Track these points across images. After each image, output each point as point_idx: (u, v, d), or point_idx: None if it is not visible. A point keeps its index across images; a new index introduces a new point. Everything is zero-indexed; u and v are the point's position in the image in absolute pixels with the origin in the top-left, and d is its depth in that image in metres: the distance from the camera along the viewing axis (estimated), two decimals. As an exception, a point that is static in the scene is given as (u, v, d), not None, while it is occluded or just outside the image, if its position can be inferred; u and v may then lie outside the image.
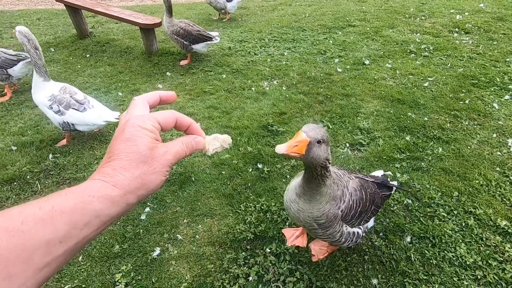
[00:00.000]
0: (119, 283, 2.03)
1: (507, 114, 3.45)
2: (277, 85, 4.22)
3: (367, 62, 4.63)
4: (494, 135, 3.16)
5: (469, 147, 3.02)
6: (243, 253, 2.17)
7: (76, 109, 2.92)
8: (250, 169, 2.85)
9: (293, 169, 2.86)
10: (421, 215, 2.39)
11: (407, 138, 3.15)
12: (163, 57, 5.02)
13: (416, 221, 2.35)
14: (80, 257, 2.19)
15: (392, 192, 1.96)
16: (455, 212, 2.40)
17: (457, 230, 2.28)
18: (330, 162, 1.39)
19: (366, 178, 1.83)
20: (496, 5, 6.49)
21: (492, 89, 3.87)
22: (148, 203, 2.56)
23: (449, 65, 4.45)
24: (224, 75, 4.48)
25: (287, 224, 2.35)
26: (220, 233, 2.33)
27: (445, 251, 2.15)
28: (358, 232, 1.75)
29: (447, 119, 3.42)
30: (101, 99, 3.76)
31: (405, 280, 2.00)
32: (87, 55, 5.20)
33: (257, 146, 3.10)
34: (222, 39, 5.61)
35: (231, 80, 4.35)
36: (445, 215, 2.38)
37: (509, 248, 2.14)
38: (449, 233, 2.24)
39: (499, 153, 2.95)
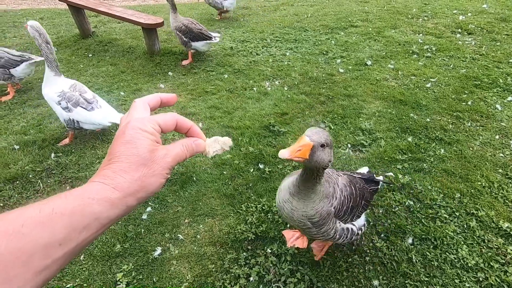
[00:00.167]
0: (120, 282, 2.03)
1: (510, 115, 3.44)
2: (279, 85, 4.22)
3: (369, 62, 4.62)
4: (497, 137, 3.15)
5: (471, 149, 3.01)
6: (244, 253, 2.17)
7: (84, 108, 2.93)
8: (252, 169, 2.86)
9: (295, 169, 2.86)
10: (423, 216, 2.39)
11: (409, 139, 3.14)
12: (165, 57, 5.03)
13: (417, 223, 2.35)
14: (82, 256, 2.20)
15: (379, 187, 1.98)
16: (457, 213, 2.40)
17: (459, 232, 2.27)
18: (332, 163, 1.39)
19: (354, 175, 1.86)
20: (499, 6, 6.46)
21: (495, 90, 3.85)
22: (150, 203, 2.57)
23: (451, 66, 4.44)
24: (226, 75, 4.48)
25: (288, 225, 2.34)
26: (221, 233, 2.33)
27: (447, 253, 2.14)
28: (352, 229, 1.76)
29: (449, 120, 3.40)
30: (103, 98, 3.75)
31: (406, 281, 1.99)
32: (90, 55, 5.21)
33: (258, 146, 3.10)
34: (224, 39, 5.62)
35: (233, 80, 4.35)
36: (447, 216, 2.37)
37: (511, 250, 2.13)
38: (451, 235, 2.24)
39: (501, 154, 2.94)
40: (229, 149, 0.68)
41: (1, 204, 2.58)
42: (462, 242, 2.20)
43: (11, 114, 3.73)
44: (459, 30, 5.49)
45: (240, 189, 2.67)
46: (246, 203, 2.54)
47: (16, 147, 3.14)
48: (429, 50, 4.88)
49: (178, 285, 2.03)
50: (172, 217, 2.47)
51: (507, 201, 2.49)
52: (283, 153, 1.16)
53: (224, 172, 2.84)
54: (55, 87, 2.96)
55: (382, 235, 2.27)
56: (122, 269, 2.11)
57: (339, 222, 1.68)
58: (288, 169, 2.85)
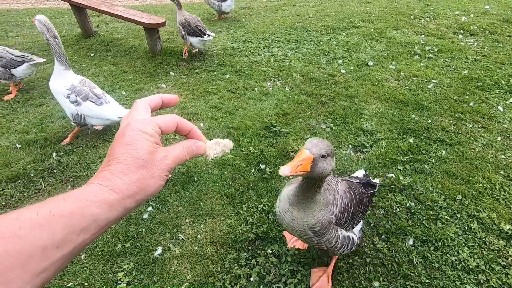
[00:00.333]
0: (121, 281, 2.04)
1: (512, 117, 3.43)
2: (280, 85, 4.22)
3: (370, 63, 4.62)
4: (499, 138, 3.14)
5: (473, 150, 3.00)
6: (245, 253, 2.17)
7: (93, 102, 2.95)
8: (253, 170, 2.86)
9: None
10: (424, 218, 2.38)
11: (411, 140, 3.13)
12: (166, 56, 5.04)
13: (418, 224, 2.34)
14: (83, 256, 2.20)
15: (376, 190, 1.97)
16: (458, 215, 2.39)
17: (460, 234, 2.27)
18: (333, 169, 1.38)
19: (352, 180, 1.86)
20: (501, 7, 6.44)
21: (497, 92, 3.84)
22: (151, 203, 2.57)
23: (453, 67, 4.43)
24: (228, 75, 4.49)
25: (289, 225, 2.34)
26: (222, 233, 2.34)
27: (448, 255, 2.13)
28: (352, 238, 1.75)
29: (451, 121, 3.40)
30: (105, 98, 3.78)
31: (407, 283, 1.99)
32: (92, 54, 5.23)
33: (259, 147, 3.10)
34: (226, 39, 5.62)
35: (234, 80, 4.35)
36: (448, 218, 2.37)
37: (512, 252, 2.13)
38: (452, 237, 2.23)
39: (503, 156, 2.93)
40: (229, 151, 0.68)
41: (3, 203, 2.59)
42: (463, 244, 2.19)
43: (13, 113, 3.74)
44: (461, 31, 5.48)
45: (241, 189, 2.67)
46: (247, 204, 2.54)
47: (18, 146, 3.15)
48: (431, 51, 4.87)
49: (179, 285, 2.03)
50: (173, 217, 2.47)
51: (508, 203, 2.48)
52: (284, 170, 1.13)
53: (225, 172, 2.84)
54: (65, 81, 2.98)
55: (383, 236, 2.27)
56: (123, 268, 2.12)
57: (341, 230, 1.67)
58: (289, 170, 2.85)
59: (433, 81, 4.11)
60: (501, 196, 2.54)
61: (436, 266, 2.07)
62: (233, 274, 2.05)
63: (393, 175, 2.72)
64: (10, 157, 3.03)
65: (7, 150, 3.10)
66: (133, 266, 2.14)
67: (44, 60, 3.96)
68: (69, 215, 0.43)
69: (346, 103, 3.77)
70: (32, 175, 2.85)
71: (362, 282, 2.01)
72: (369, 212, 2.42)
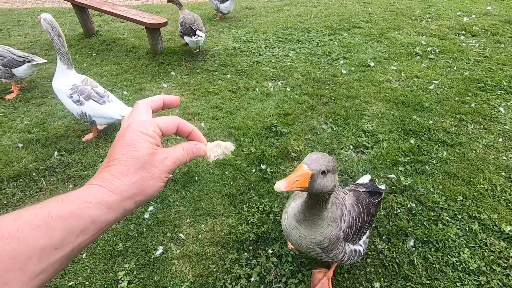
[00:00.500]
0: (122, 281, 2.04)
1: (514, 118, 3.42)
2: (282, 86, 4.22)
3: (372, 64, 4.61)
4: (500, 140, 3.13)
5: (474, 151, 3.00)
6: (245, 253, 2.17)
7: (96, 101, 2.96)
8: (253, 170, 2.86)
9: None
10: (425, 219, 2.38)
11: (412, 141, 3.13)
12: (168, 56, 5.04)
13: (419, 225, 2.34)
14: (84, 255, 2.21)
15: (382, 197, 1.95)
16: (459, 216, 2.39)
17: (461, 235, 2.26)
18: (337, 186, 1.30)
19: (359, 189, 1.80)
20: (503, 8, 6.43)
21: (499, 93, 3.83)
22: (152, 202, 2.58)
23: (455, 68, 4.42)
24: (229, 75, 4.49)
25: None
26: (222, 233, 2.34)
27: (449, 256, 2.13)
28: (359, 250, 1.73)
29: (452, 122, 3.39)
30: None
31: (407, 284, 1.99)
32: (93, 54, 5.24)
33: (260, 147, 3.10)
34: (227, 39, 5.63)
35: (235, 81, 4.36)
36: (449, 219, 2.37)
37: (513, 254, 2.13)
38: (453, 238, 2.23)
39: (504, 157, 2.93)
40: (230, 154, 0.68)
41: (5, 202, 2.60)
42: (464, 245, 2.19)
43: (15, 112, 3.75)
44: (463, 32, 5.47)
45: (241, 189, 2.67)
46: (247, 204, 2.54)
47: (20, 145, 3.16)
48: (432, 52, 4.87)
49: (179, 284, 2.04)
50: (174, 217, 2.47)
51: (510, 204, 2.48)
52: (279, 186, 1.05)
53: (226, 173, 2.84)
54: (67, 80, 2.98)
55: (383, 237, 2.27)
56: (123, 268, 2.12)
57: (348, 245, 1.64)
58: (290, 170, 2.85)
59: (435, 82, 4.10)
60: (502, 197, 2.53)
61: (437, 267, 2.07)
62: (233, 274, 2.05)
63: (394, 176, 2.72)
64: (12, 156, 3.04)
65: (9, 149, 3.11)
66: (134, 265, 2.14)
67: (45, 61, 3.97)
68: (68, 216, 0.43)
69: (347, 103, 3.77)
70: (33, 174, 2.86)
71: (363, 282, 2.01)
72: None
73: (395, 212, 2.44)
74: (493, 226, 2.31)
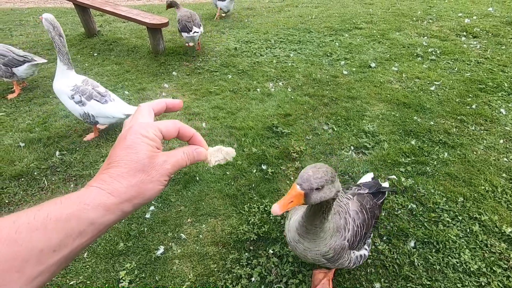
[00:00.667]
0: (123, 280, 2.05)
1: (515, 119, 3.42)
2: (283, 86, 4.22)
3: (373, 65, 4.62)
4: (501, 141, 3.13)
5: (475, 153, 3.00)
6: (246, 253, 2.18)
7: (98, 101, 2.96)
8: (254, 170, 2.86)
9: (297, 171, 2.87)
10: (425, 220, 2.38)
11: (413, 142, 3.13)
12: (169, 56, 5.05)
13: (420, 226, 2.34)
14: (85, 254, 2.22)
15: (386, 196, 1.94)
16: (460, 217, 2.39)
17: (461, 236, 2.27)
18: (340, 192, 1.27)
19: (362, 192, 1.78)
20: (505, 9, 6.43)
21: (500, 94, 3.83)
22: (153, 202, 2.58)
23: (456, 69, 4.42)
24: (230, 75, 4.50)
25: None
26: (223, 233, 2.34)
27: (449, 257, 2.14)
28: (364, 254, 1.73)
29: (453, 123, 3.39)
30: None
31: (408, 285, 1.99)
32: (95, 54, 5.25)
33: (261, 147, 3.11)
34: (228, 40, 5.64)
35: (236, 81, 4.36)
36: (450, 220, 2.37)
37: (514, 255, 2.13)
38: (454, 239, 2.23)
39: (505, 159, 2.93)
40: (231, 159, 0.67)
41: (7, 201, 2.61)
42: (465, 246, 2.19)
43: (17, 112, 3.76)
44: (464, 33, 5.47)
45: (242, 189, 2.68)
46: (248, 204, 2.55)
47: (22, 144, 3.17)
48: (433, 53, 4.87)
49: (180, 284, 2.04)
50: (175, 217, 2.48)
51: (510, 206, 2.48)
52: (275, 210, 1.05)
53: (227, 173, 2.85)
54: (68, 81, 2.98)
55: (384, 238, 2.27)
56: (125, 267, 2.13)
57: (353, 252, 1.64)
58: (290, 171, 2.86)
59: (436, 83, 4.10)
60: (503, 198, 2.53)
61: (438, 268, 2.08)
62: (234, 274, 2.06)
63: (395, 177, 2.72)
64: (14, 155, 3.05)
65: (11, 149, 3.12)
66: (135, 265, 2.15)
67: (45, 61, 3.98)
68: (66, 218, 0.43)
69: (348, 104, 3.77)
70: (35, 173, 2.87)
71: (363, 283, 2.01)
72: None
73: (396, 213, 2.44)
74: (493, 227, 2.31)
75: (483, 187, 2.62)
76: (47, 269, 0.42)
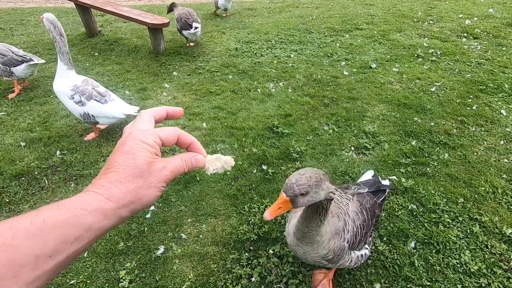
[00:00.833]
0: (123, 280, 2.05)
1: (515, 121, 3.42)
2: (283, 87, 4.23)
3: (373, 65, 4.62)
4: (502, 142, 3.13)
5: (475, 154, 3.00)
6: (246, 253, 2.18)
7: (97, 101, 2.96)
8: (255, 170, 2.87)
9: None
10: (426, 220, 2.38)
11: (413, 143, 3.13)
12: (170, 56, 5.06)
13: (420, 227, 2.34)
14: (86, 253, 2.22)
15: (386, 194, 1.94)
16: (460, 218, 2.39)
17: (462, 237, 2.27)
18: (335, 193, 1.26)
19: (362, 191, 1.77)
20: (506, 11, 6.43)
21: (500, 96, 3.83)
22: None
23: (456, 70, 4.42)
24: (231, 76, 4.50)
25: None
26: (223, 233, 2.34)
27: (449, 258, 2.13)
28: (365, 253, 1.73)
29: (453, 124, 3.39)
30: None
31: (408, 285, 1.99)
32: (96, 54, 5.26)
33: (262, 148, 3.11)
34: (229, 40, 5.64)
35: (237, 81, 4.37)
36: (450, 221, 2.37)
37: (514, 256, 2.13)
38: (454, 240, 2.23)
39: (506, 160, 2.93)
40: (230, 168, 0.67)
41: (7, 200, 2.61)
42: (465, 247, 2.19)
43: (17, 111, 3.77)
44: (465, 34, 5.47)
45: (243, 189, 2.68)
46: (248, 204, 2.55)
47: (22, 144, 3.17)
48: (434, 54, 4.87)
49: (180, 284, 2.04)
50: (175, 216, 2.48)
51: (511, 207, 2.48)
52: (266, 216, 1.12)
53: (227, 173, 2.85)
54: (68, 81, 2.99)
55: (384, 239, 2.27)
56: (125, 267, 2.13)
57: (354, 252, 1.64)
58: (291, 171, 2.86)
59: (436, 84, 4.10)
60: (504, 199, 2.53)
61: (438, 269, 2.07)
62: (234, 274, 2.06)
63: (395, 178, 2.72)
64: (14, 154, 3.05)
65: (11, 148, 3.13)
66: (135, 264, 2.15)
67: (44, 61, 3.99)
68: (63, 224, 0.43)
69: (348, 105, 3.77)
70: (36, 173, 2.87)
71: (363, 284, 2.01)
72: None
73: (396, 213, 2.44)
74: (494, 228, 2.31)
75: (483, 188, 2.62)
76: (43, 275, 0.42)
